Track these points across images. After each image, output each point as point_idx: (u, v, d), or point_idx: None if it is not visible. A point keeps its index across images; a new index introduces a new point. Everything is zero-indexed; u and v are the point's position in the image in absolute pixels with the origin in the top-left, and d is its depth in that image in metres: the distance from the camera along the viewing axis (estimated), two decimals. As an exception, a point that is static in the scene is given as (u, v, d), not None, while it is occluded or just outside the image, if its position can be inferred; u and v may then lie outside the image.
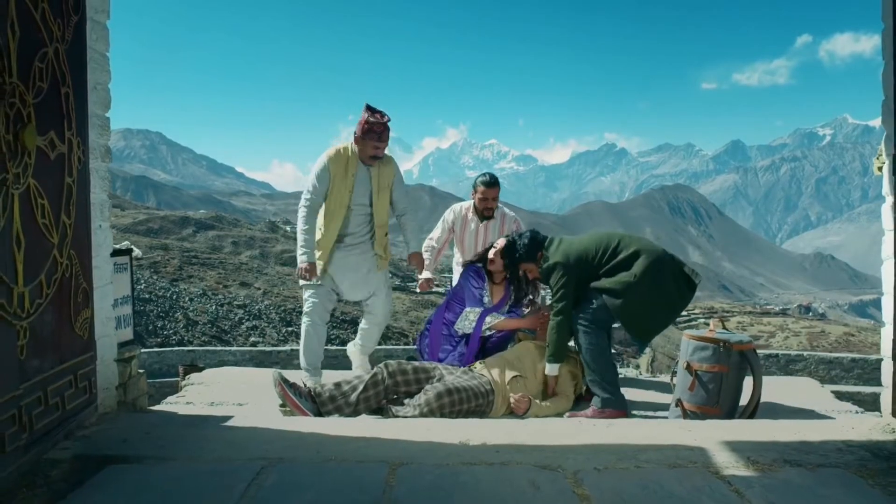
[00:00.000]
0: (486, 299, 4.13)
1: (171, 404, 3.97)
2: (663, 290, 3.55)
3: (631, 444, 2.49)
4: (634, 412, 3.65)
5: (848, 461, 2.30)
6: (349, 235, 4.16)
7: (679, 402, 3.46)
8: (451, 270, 5.14)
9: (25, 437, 2.09)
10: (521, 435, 2.61)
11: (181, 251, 40.28)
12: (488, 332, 4.08)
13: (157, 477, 2.12)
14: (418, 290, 5.31)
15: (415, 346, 5.91)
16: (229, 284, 33.44)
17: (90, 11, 2.69)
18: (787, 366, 12.15)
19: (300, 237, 4.09)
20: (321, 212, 4.17)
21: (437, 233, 4.83)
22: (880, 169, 2.77)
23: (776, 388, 4.18)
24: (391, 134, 4.13)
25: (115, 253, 3.27)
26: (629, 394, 3.85)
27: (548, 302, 4.05)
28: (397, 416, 3.27)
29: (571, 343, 3.78)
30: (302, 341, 4.19)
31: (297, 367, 4.36)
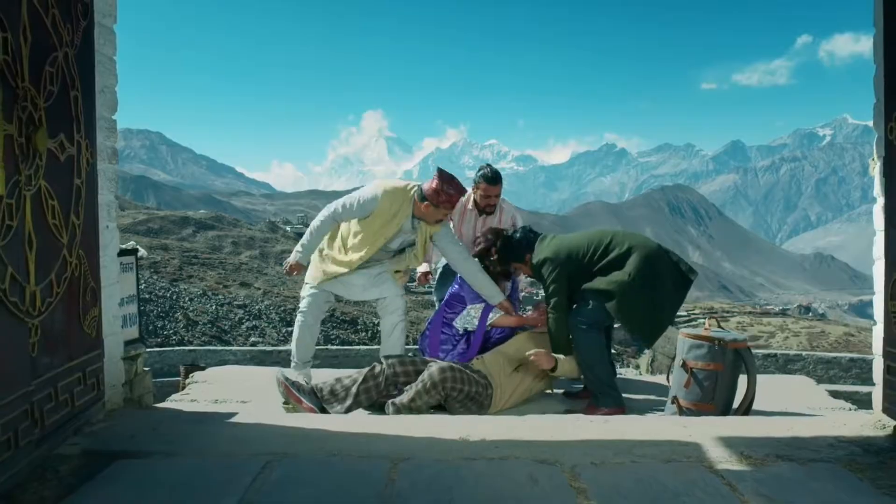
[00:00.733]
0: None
1: (175, 402, 4.03)
2: (659, 287, 3.57)
3: (627, 440, 2.53)
4: (632, 411, 3.69)
5: (839, 456, 2.35)
6: (366, 263, 3.99)
7: (675, 399, 3.51)
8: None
9: (37, 433, 2.14)
10: (520, 431, 2.66)
11: (181, 251, 40.30)
12: (490, 329, 4.13)
13: (165, 471, 2.17)
14: (416, 285, 5.31)
15: (415, 346, 5.95)
16: (229, 284, 33.45)
17: (98, 16, 2.74)
18: (786, 365, 12.17)
19: (305, 238, 4.02)
20: (346, 228, 3.99)
21: None
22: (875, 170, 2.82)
23: (771, 386, 4.24)
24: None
25: (122, 253, 3.33)
26: (628, 394, 3.90)
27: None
28: (397, 406, 3.35)
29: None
30: (295, 336, 4.13)
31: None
